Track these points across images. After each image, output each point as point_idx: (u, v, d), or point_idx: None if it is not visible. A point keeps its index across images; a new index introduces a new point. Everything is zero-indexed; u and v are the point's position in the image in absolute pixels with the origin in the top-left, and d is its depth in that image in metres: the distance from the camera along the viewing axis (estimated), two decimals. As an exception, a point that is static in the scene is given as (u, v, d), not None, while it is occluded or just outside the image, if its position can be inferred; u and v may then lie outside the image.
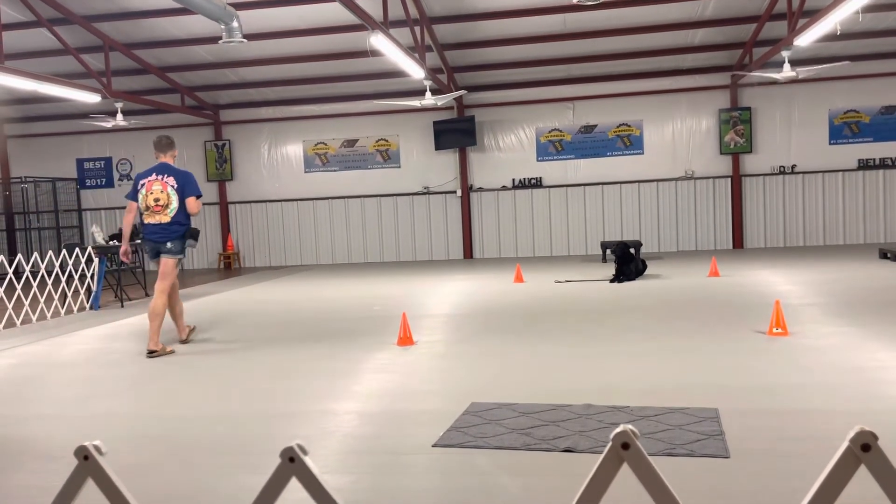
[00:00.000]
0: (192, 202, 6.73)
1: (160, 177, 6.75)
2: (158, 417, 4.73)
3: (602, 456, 1.23)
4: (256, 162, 16.95)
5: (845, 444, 1.18)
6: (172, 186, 6.71)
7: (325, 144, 16.63)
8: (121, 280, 10.82)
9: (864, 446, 1.16)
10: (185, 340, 7.23)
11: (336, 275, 13.94)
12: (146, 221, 6.79)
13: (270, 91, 16.03)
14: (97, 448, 1.43)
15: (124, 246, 7.04)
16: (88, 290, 10.43)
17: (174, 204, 6.69)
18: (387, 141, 16.39)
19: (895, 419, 3.96)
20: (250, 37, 10.89)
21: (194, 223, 7.02)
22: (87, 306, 10.23)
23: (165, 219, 6.71)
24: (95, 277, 10.28)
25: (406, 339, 6.66)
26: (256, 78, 15.40)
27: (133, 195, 6.84)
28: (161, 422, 4.62)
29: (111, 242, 11.44)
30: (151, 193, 6.72)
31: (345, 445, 4.00)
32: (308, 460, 1.34)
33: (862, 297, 8.14)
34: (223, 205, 17.07)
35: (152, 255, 6.90)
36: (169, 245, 6.77)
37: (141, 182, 6.79)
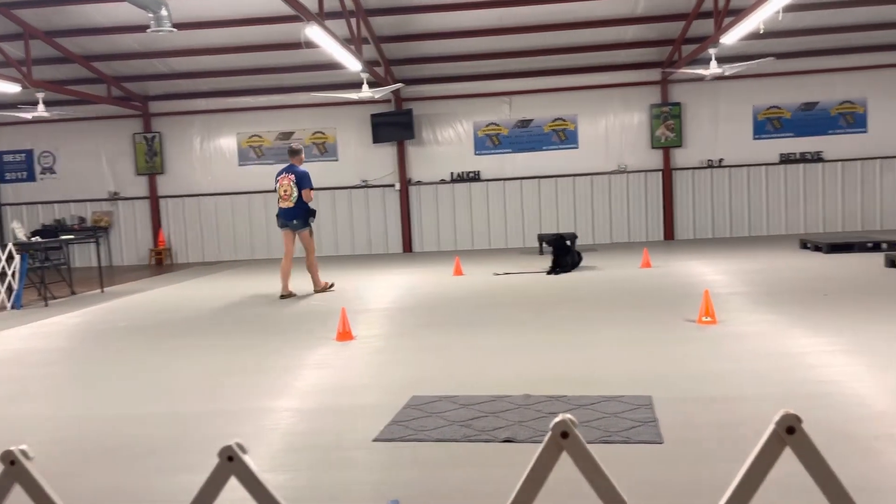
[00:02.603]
0: (305, 193, 9.48)
1: (287, 174, 9.57)
2: (88, 419, 4.57)
3: (542, 445, 1.25)
4: (188, 155, 16.49)
5: (771, 427, 1.24)
6: (293, 182, 9.46)
7: (260, 137, 16.31)
8: (45, 278, 10.38)
9: (789, 429, 1.22)
10: (287, 295, 9.58)
11: (272, 270, 13.70)
12: (279, 206, 9.64)
13: (202, 82, 15.61)
14: (24, 453, 1.37)
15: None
16: (9, 288, 9.97)
17: (295, 194, 9.45)
18: (323, 134, 16.20)
19: (819, 402, 4.16)
20: (180, 26, 10.57)
21: (313, 205, 9.77)
22: (9, 306, 9.78)
23: (290, 204, 9.51)
24: (17, 275, 9.84)
25: (345, 334, 6.62)
26: (187, 68, 14.97)
27: (275, 187, 9.73)
28: (91, 423, 4.47)
29: (33, 238, 10.95)
30: (281, 186, 9.53)
31: (284, 443, 3.95)
32: (247, 458, 1.32)
33: (785, 286, 8.51)
34: (153, 199, 16.57)
35: (282, 227, 9.76)
36: (295, 222, 9.55)
37: (276, 178, 9.73)
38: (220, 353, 6.37)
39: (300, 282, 10.33)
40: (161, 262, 16.35)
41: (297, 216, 9.55)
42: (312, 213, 9.65)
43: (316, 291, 9.83)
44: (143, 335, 7.46)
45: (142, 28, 11.35)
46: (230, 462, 1.31)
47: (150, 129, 16.42)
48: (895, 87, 14.89)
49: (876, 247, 11.28)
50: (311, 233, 9.69)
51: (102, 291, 11.32)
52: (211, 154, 16.43)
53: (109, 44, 13.65)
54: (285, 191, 9.51)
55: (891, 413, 3.92)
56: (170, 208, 16.61)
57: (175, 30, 9.21)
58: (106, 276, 12.81)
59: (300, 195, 9.46)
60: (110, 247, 16.70)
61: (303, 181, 9.49)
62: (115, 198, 16.68)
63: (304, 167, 9.73)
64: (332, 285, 10.09)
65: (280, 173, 9.72)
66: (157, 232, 16.54)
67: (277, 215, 9.76)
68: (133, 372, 5.88)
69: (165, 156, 16.49)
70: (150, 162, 16.42)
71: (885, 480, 3.08)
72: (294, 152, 9.78)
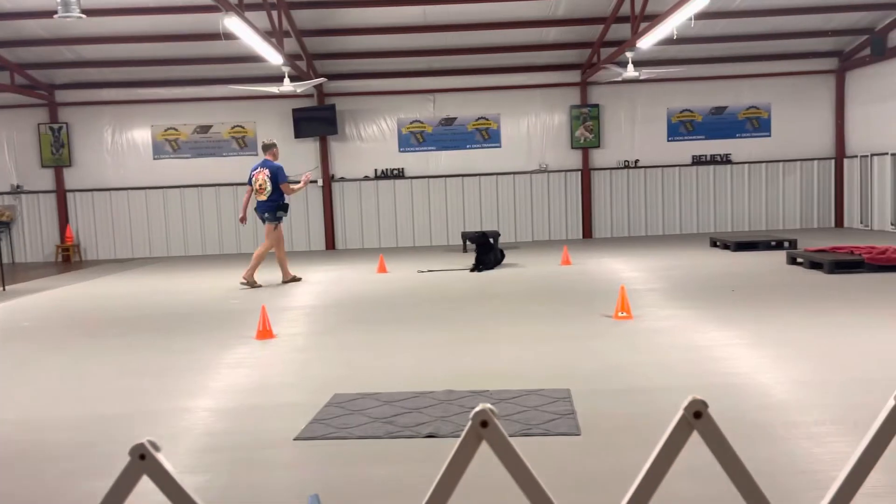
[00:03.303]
0: (284, 186, 9.86)
1: (262, 168, 9.92)
2: (-13, 425, 4.32)
3: (462, 434, 1.27)
4: (98, 147, 15.79)
5: (680, 413, 1.29)
6: (268, 176, 9.81)
7: (176, 130, 15.78)
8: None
9: (696, 413, 1.28)
10: (285, 280, 10.21)
11: (189, 267, 13.30)
12: (256, 199, 9.94)
13: (113, 71, 14.97)
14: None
15: (241, 213, 10.30)
16: None
17: (269, 188, 9.79)
18: (243, 128, 15.82)
19: (726, 392, 4.36)
20: (90, 12, 10.11)
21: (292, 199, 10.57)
22: None
23: (264, 197, 9.85)
24: None
25: (266, 333, 6.49)
26: (97, 57, 14.32)
27: (249, 181, 10.06)
28: (-10, 429, 4.22)
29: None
30: (257, 180, 9.89)
31: (201, 443, 3.85)
32: (161, 457, 1.28)
33: (696, 282, 8.88)
34: (60, 193, 15.78)
35: (262, 220, 10.19)
36: (266, 215, 9.97)
37: (252, 172, 10.05)
38: (132, 354, 6.14)
39: (268, 274, 10.13)
40: (69, 260, 15.59)
41: (268, 209, 9.95)
42: (283, 207, 10.01)
43: (243, 277, 9.96)
44: (49, 335, 7.10)
45: (48, 13, 10.78)
46: (142, 461, 1.27)
47: (57, 119, 15.63)
48: (795, 94, 15.76)
49: (779, 245, 11.91)
50: (275, 227, 10.04)
51: (4, 290, 10.71)
52: (123, 147, 15.78)
53: (13, 30, 12.91)
54: (260, 185, 9.87)
55: (791, 402, 4.15)
56: (78, 203, 15.86)
57: (84, 16, 8.80)
58: (8, 274, 12.11)
59: (275, 189, 9.83)
60: (12, 243, 15.81)
61: (278, 175, 9.84)
62: (18, 191, 15.80)
63: (273, 163, 9.99)
64: (260, 286, 10.00)
65: (255, 168, 10.07)
66: (65, 227, 15.77)
67: (255, 209, 10.13)
68: (38, 374, 5.60)
69: (73, 148, 15.74)
70: (57, 154, 15.64)
71: (784, 464, 3.26)
72: (268, 147, 10.14)
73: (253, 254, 10.14)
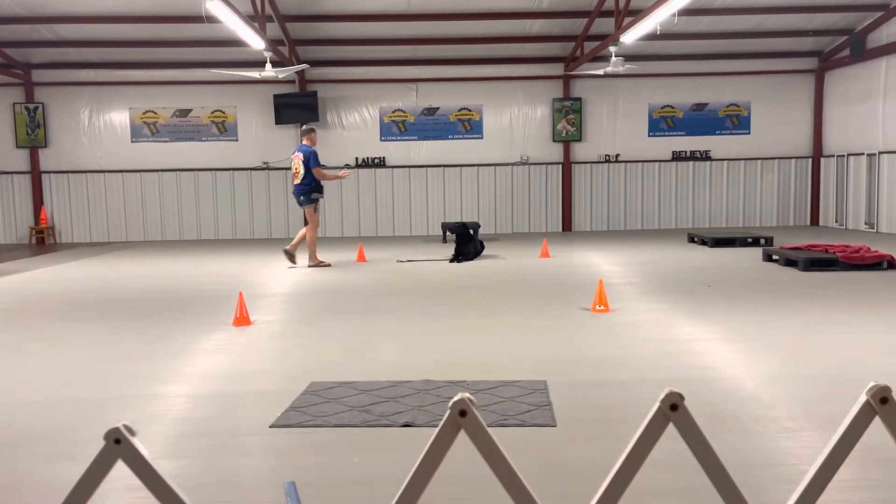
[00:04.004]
0: (315, 171, 10.21)
1: (297, 153, 10.29)
2: (-43, 408, 4.25)
3: (441, 423, 1.27)
4: (75, 129, 15.55)
5: (656, 405, 1.30)
6: (301, 160, 10.18)
7: (155, 113, 15.58)
8: None
9: (673, 406, 1.29)
10: (289, 250, 10.45)
11: (166, 252, 13.17)
12: (293, 183, 10.46)
13: (92, 52, 14.73)
14: None
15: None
16: None
17: (302, 172, 10.20)
18: (223, 112, 15.66)
19: (700, 386, 4.41)
20: (68, -10, 9.94)
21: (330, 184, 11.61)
22: None
23: (298, 181, 10.30)
24: None
25: (243, 320, 6.45)
26: (76, 36, 14.07)
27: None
28: (-40, 412, 4.16)
29: None
30: (293, 165, 10.36)
31: (177, 429, 3.82)
32: (136, 441, 1.27)
33: (673, 277, 8.96)
34: (35, 174, 15.53)
35: (298, 204, 10.58)
36: (301, 198, 10.34)
37: (291, 156, 10.53)
38: (106, 338, 6.07)
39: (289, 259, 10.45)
40: (43, 242, 15.37)
41: (302, 193, 10.31)
42: (317, 189, 10.30)
43: (310, 265, 10.37)
44: (20, 318, 7.00)
45: (24, -10, 10.60)
46: (117, 445, 1.26)
47: (33, 99, 15.36)
48: (775, 92, 15.92)
49: (755, 242, 12.06)
50: (315, 209, 10.41)
51: (-25, 271, 10.53)
52: (100, 129, 15.56)
53: (-13, 5, 12.65)
54: (295, 169, 10.29)
55: (764, 396, 4.21)
56: (53, 184, 15.62)
57: (62, -6, 8.63)
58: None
59: (308, 173, 10.18)
60: (-15, 224, 15.54)
61: (310, 159, 10.19)
62: (-9, 171, 15.54)
63: (308, 148, 10.28)
64: (328, 264, 10.48)
65: (294, 152, 10.49)
66: (39, 209, 15.53)
67: (293, 193, 10.63)
68: (9, 357, 5.52)
69: (49, 128, 15.48)
70: (32, 134, 15.38)
71: (757, 457, 3.31)
72: (305, 132, 10.50)
73: (306, 242, 10.45)
